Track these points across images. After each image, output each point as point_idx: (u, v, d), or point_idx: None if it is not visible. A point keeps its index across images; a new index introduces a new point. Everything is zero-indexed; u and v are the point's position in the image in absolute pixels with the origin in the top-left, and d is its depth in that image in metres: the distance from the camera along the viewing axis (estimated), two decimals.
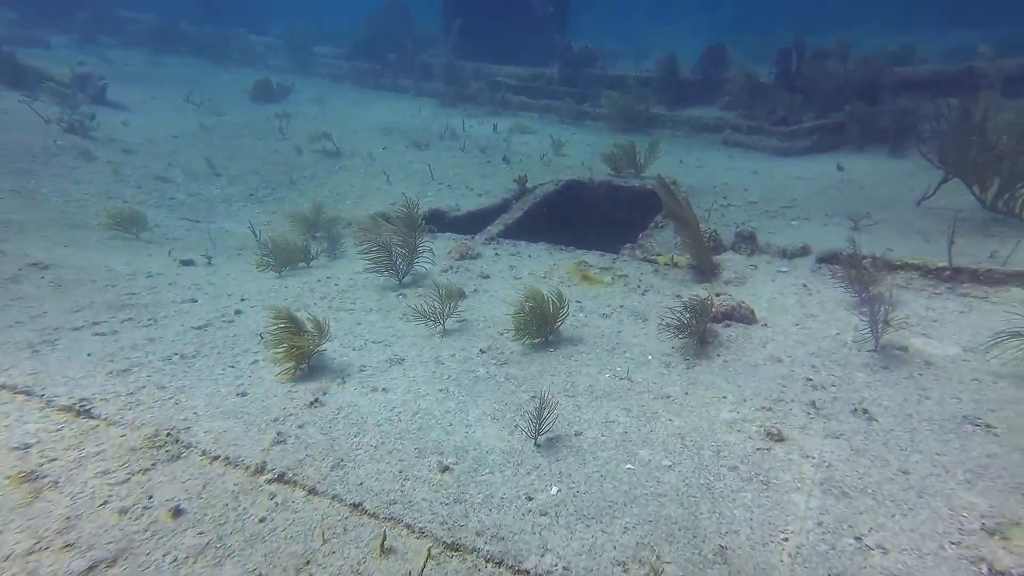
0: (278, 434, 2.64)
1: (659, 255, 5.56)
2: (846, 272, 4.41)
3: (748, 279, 4.78)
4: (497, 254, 5.60)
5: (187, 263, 5.00)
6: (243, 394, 2.99)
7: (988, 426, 2.66)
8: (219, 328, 3.74)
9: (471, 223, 6.97)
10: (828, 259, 4.88)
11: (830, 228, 5.81)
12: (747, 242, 5.52)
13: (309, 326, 3.35)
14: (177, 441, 2.53)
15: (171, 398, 2.90)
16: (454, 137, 10.58)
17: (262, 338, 3.54)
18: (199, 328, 3.71)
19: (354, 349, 3.65)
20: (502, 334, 3.88)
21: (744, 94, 10.94)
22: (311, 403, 2.94)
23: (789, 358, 3.42)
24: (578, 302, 4.40)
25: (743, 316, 3.90)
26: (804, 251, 5.19)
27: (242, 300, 4.26)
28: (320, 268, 5.24)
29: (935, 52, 14.34)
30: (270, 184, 7.95)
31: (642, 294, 4.59)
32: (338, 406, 2.96)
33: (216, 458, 2.42)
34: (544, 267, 5.19)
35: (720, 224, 6.17)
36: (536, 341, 3.71)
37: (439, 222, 7.06)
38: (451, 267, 5.19)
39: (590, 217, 8.09)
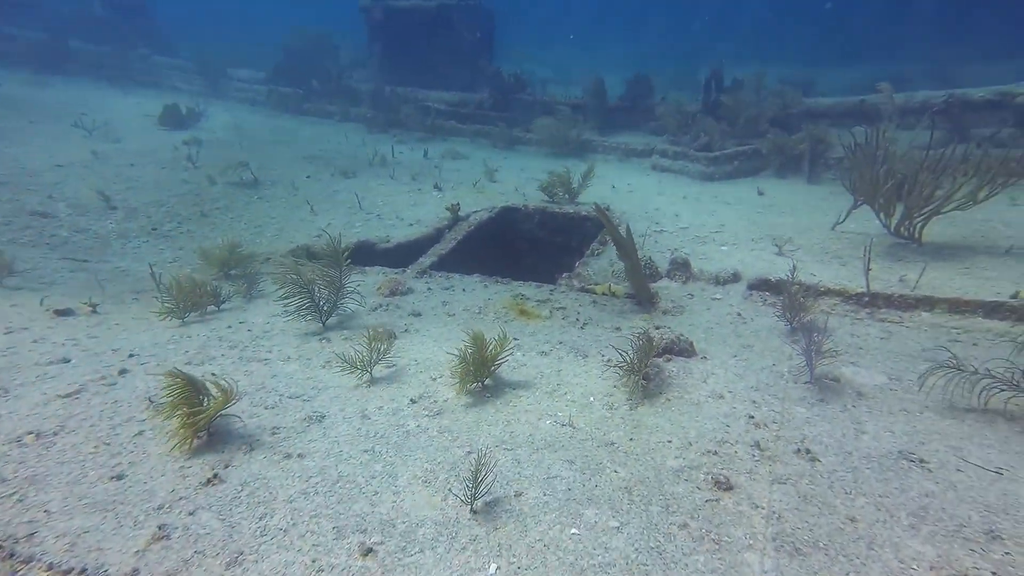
0: (161, 527, 2.24)
1: (596, 284, 5.52)
2: (779, 300, 4.52)
3: (685, 308, 4.80)
4: (430, 288, 5.35)
5: (64, 313, 4.37)
6: (119, 477, 2.54)
7: (922, 461, 2.69)
8: (95, 394, 3.23)
9: (402, 255, 6.69)
10: (758, 286, 5.00)
11: (756, 252, 6.00)
12: (682, 269, 5.59)
13: (213, 387, 2.95)
14: (11, 556, 2.05)
15: (13, 494, 2.41)
16: (383, 164, 10.29)
17: (151, 403, 3.09)
18: (68, 396, 3.18)
19: (267, 407, 3.26)
20: (435, 379, 3.63)
21: (672, 120, 11.38)
22: (208, 481, 2.54)
23: (730, 393, 3.38)
24: (515, 339, 4.22)
25: (683, 349, 3.87)
26: (736, 277, 5.31)
27: (130, 356, 3.74)
28: (233, 312, 4.78)
29: (833, 86, 15.66)
30: (177, 217, 7.31)
31: (581, 328, 4.48)
32: (242, 481, 2.58)
33: (68, 573, 1.98)
34: (479, 301, 4.99)
35: (654, 250, 6.24)
36: (472, 386, 3.48)
37: (368, 254, 6.74)
38: (381, 305, 4.89)
39: (526, 244, 8.01)
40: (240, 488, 2.53)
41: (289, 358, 3.87)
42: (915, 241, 5.92)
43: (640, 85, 13.37)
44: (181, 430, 2.72)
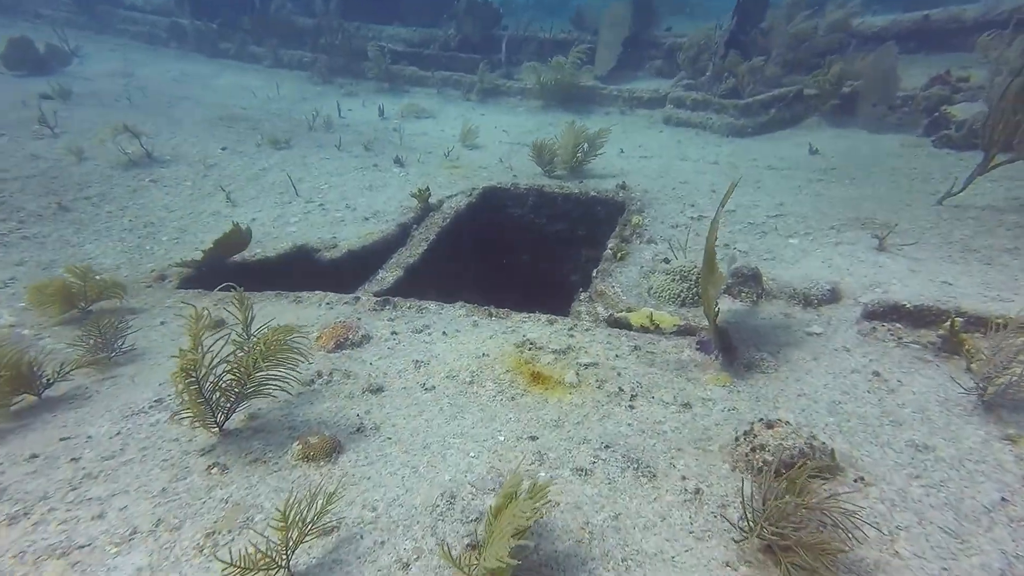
0: None
1: (630, 310, 4.10)
2: (919, 334, 3.16)
3: (778, 357, 3.41)
4: (395, 334, 3.85)
5: None
6: None
7: None
8: None
9: (355, 267, 5.13)
10: (882, 314, 3.61)
11: (845, 248, 4.61)
12: (750, 283, 4.18)
13: None
14: None
15: None
16: (328, 128, 8.49)
17: None
18: None
19: None
20: (416, 558, 2.19)
21: (687, 58, 9.68)
22: None
23: None
24: (532, 438, 2.80)
25: (822, 467, 2.49)
26: (834, 295, 3.92)
27: None
28: (65, 406, 3.19)
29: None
30: (17, 213, 5.52)
31: (629, 406, 3.07)
32: None
33: None
34: (469, 358, 3.52)
35: (696, 248, 4.82)
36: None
37: (307, 268, 5.16)
38: (320, 375, 3.37)
39: (519, 236, 6.49)
40: None
41: (136, 533, 2.31)
42: None
43: (642, 10, 11.53)
44: None
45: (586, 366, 3.44)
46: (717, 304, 3.49)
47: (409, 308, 4.23)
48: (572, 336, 3.79)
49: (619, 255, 4.99)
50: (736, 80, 8.52)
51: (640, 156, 7.59)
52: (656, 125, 9.10)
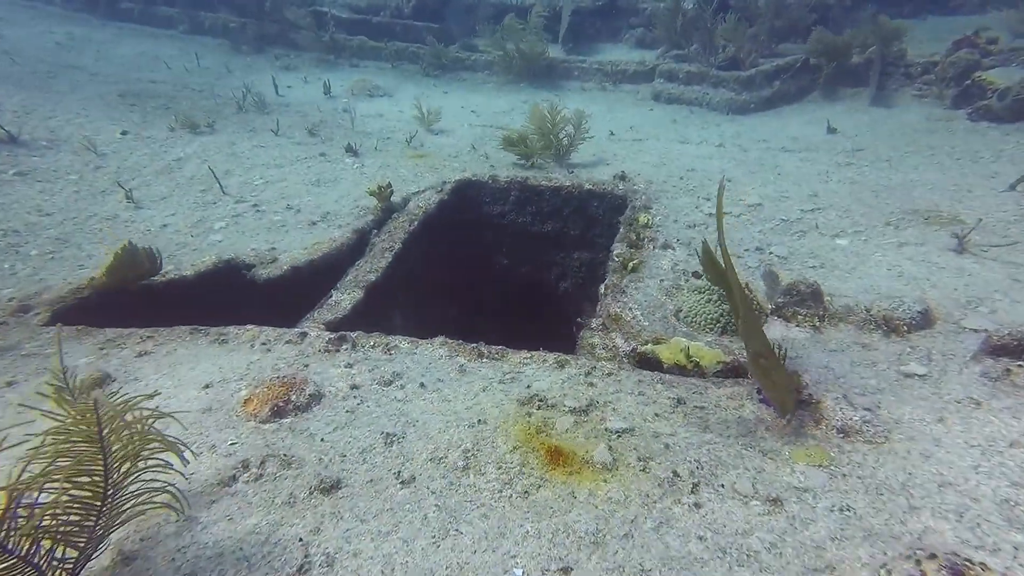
0: None
1: (656, 341, 3.29)
2: None
3: (879, 414, 2.63)
4: (355, 388, 2.94)
5: None
6: None
7: None
8: None
9: (301, 287, 4.15)
10: (1015, 349, 2.86)
11: (915, 250, 3.91)
12: (808, 304, 3.42)
13: None
14: None
15: None
16: (262, 108, 7.33)
17: None
18: None
19: None
20: None
21: (667, 20, 8.83)
22: None
23: None
24: (565, 572, 1.95)
25: None
26: (926, 318, 3.19)
27: None
28: None
29: None
30: None
31: (694, 503, 2.24)
32: None
33: None
34: (460, 427, 2.64)
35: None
36: None
37: (237, 289, 4.15)
38: (244, 467, 2.42)
39: (500, 239, 5.60)
40: None
41: None
42: None
43: None
44: None
45: (619, 434, 2.60)
46: (781, 351, 2.70)
47: (374, 347, 3.30)
48: (592, 385, 2.95)
49: (630, 265, 4.16)
50: (736, 49, 7.76)
51: (633, 139, 6.78)
52: (645, 102, 8.29)
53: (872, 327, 3.20)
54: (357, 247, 4.47)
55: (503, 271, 5.71)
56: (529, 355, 3.21)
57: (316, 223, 4.75)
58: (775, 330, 3.35)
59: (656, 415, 2.70)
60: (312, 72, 9.31)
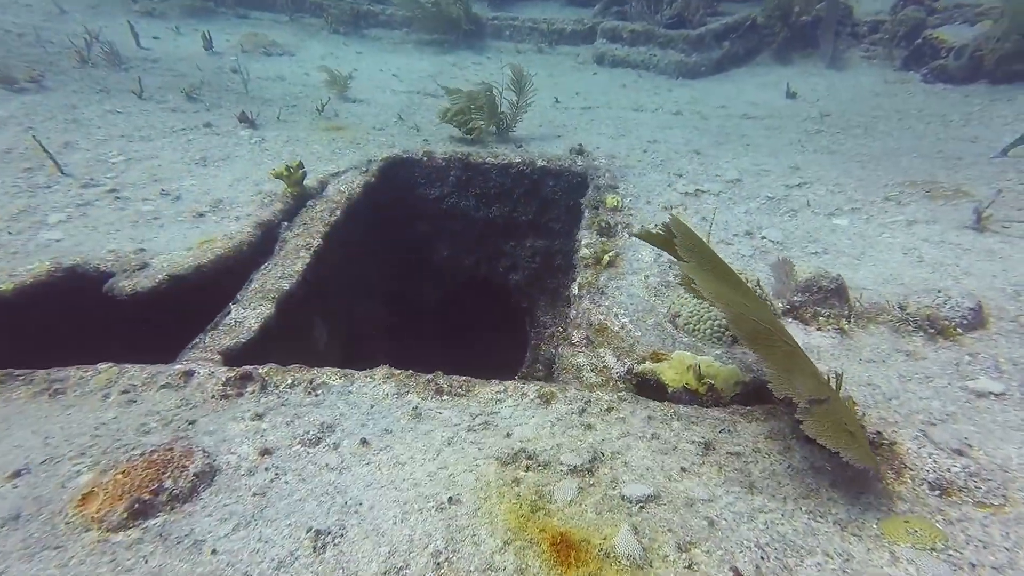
0: None
1: (656, 358, 2.68)
2: None
3: (973, 457, 2.11)
4: (266, 455, 2.13)
5: None
6: None
7: None
8: None
9: (184, 303, 3.18)
10: None
11: (925, 229, 3.49)
12: (829, 300, 2.90)
13: None
14: None
15: None
16: (117, 62, 6.01)
17: None
18: None
19: None
20: None
21: None
22: None
23: None
24: None
25: None
26: (976, 316, 2.72)
27: None
28: None
29: None
30: None
31: None
32: None
33: None
34: (422, 509, 1.88)
35: (717, 241, 3.50)
36: None
37: (88, 309, 3.13)
38: None
39: (438, 226, 4.78)
40: None
41: None
42: None
43: None
44: None
45: (641, 504, 1.94)
46: (835, 380, 2.13)
47: (293, 386, 2.47)
48: (590, 427, 2.28)
49: (605, 259, 3.50)
50: (683, 5, 7.21)
51: (582, 107, 6.09)
52: (587, 66, 7.61)
53: (911, 329, 2.72)
54: (262, 245, 3.53)
55: (444, 264, 4.91)
56: (502, 387, 2.49)
57: (204, 214, 3.74)
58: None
59: (683, 470, 2.07)
60: (184, 21, 7.89)
